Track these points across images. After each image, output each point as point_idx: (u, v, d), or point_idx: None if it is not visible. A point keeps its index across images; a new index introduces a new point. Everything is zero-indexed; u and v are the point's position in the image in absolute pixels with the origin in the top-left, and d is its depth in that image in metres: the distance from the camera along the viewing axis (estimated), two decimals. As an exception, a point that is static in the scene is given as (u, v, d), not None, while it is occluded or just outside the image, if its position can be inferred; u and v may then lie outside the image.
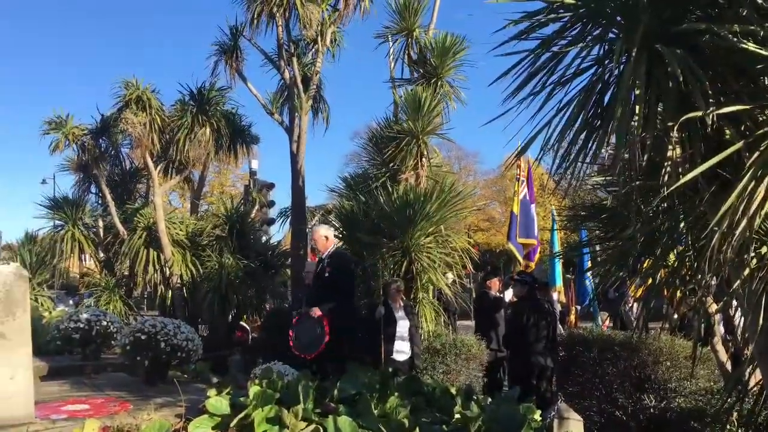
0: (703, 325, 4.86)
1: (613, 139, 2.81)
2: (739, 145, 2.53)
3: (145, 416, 4.16)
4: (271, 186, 15.13)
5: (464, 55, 9.12)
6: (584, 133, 2.96)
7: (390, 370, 5.07)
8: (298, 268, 9.39)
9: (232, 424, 3.71)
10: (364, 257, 7.44)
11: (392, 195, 7.52)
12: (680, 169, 2.71)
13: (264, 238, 12.10)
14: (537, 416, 3.97)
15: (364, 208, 7.79)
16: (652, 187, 3.08)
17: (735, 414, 4.26)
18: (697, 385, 5.96)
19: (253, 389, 3.97)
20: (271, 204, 15.02)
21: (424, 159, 8.22)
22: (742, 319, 3.37)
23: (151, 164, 10.19)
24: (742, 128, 2.63)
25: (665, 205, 3.26)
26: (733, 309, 4.38)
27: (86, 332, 6.98)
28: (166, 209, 10.95)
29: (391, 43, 9.74)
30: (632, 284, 5.49)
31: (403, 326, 6.51)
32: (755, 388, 3.87)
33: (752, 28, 2.50)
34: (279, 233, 16.32)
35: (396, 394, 4.10)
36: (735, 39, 2.53)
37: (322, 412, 3.82)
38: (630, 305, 11.25)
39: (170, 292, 10.24)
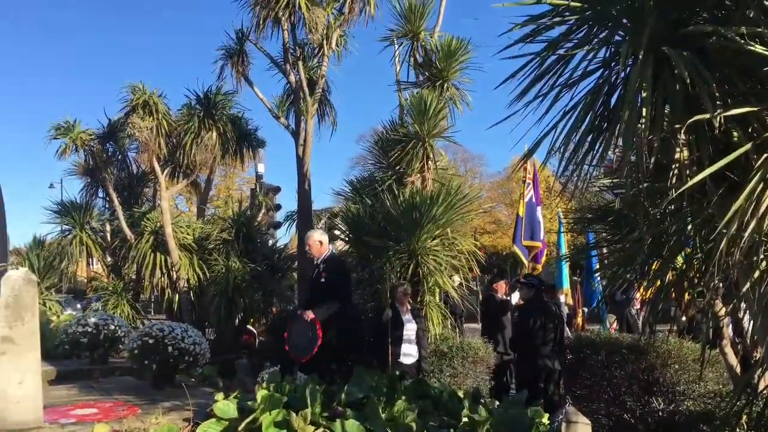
0: (711, 327, 4.83)
1: (620, 142, 2.80)
2: (747, 147, 2.52)
3: (154, 420, 4.18)
4: (277, 189, 15.17)
5: (470, 58, 9.11)
6: (591, 135, 2.95)
7: (397, 373, 5.07)
8: (305, 271, 9.39)
9: (240, 428, 3.71)
10: (371, 260, 7.44)
11: (398, 198, 7.52)
12: (688, 172, 2.70)
13: (270, 242, 12.12)
14: (545, 420, 3.97)
15: (371, 211, 7.79)
16: (659, 189, 3.07)
17: (744, 417, 4.23)
18: (705, 388, 5.92)
19: (261, 393, 3.97)
20: (278, 207, 15.06)
21: (430, 162, 8.22)
22: (752, 321, 3.36)
23: (158, 168, 10.23)
24: (750, 130, 2.62)
25: (673, 207, 3.24)
26: (742, 311, 4.35)
27: (94, 336, 7.02)
28: (172, 213, 10.99)
29: (396, 47, 9.74)
30: (640, 286, 5.47)
31: (410, 329, 6.51)
32: (765, 391, 3.85)
33: (759, 30, 2.50)
34: (285, 236, 16.33)
35: (403, 397, 4.10)
36: (742, 41, 2.52)
37: (329, 415, 3.82)
38: (636, 308, 11.21)
39: (177, 295, 10.27)
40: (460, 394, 4.52)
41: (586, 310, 12.47)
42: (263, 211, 13.48)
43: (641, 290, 6.37)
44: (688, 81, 2.52)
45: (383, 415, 3.78)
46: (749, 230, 2.48)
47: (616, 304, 11.41)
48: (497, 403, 4.62)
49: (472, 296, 9.23)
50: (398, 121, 8.97)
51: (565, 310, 10.69)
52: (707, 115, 2.49)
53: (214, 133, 10.30)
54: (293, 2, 9.44)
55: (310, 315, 6.19)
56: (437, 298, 7.53)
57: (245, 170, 20.71)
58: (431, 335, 7.01)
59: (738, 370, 5.54)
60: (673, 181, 2.78)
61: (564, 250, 11.31)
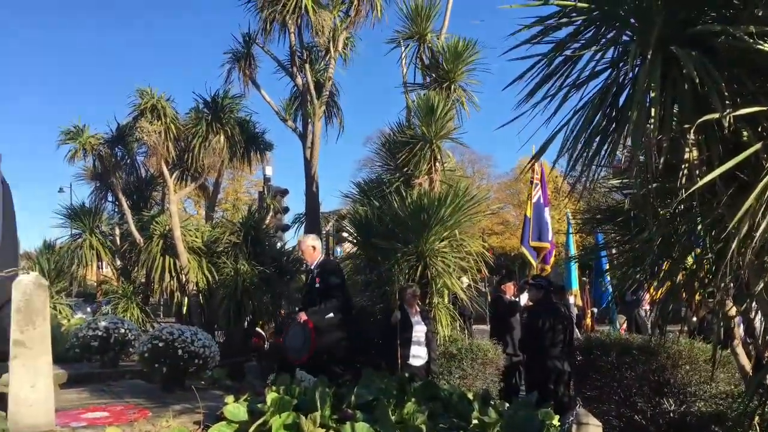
0: (722, 327, 4.80)
1: (628, 142, 2.79)
2: (756, 146, 2.50)
3: (164, 423, 4.20)
4: (285, 192, 15.17)
5: (477, 60, 9.10)
6: (599, 136, 2.94)
7: (406, 375, 5.07)
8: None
9: (250, 431, 3.72)
10: (379, 262, 7.44)
11: (406, 200, 7.52)
12: (697, 172, 2.69)
13: (279, 244, 12.12)
14: (555, 421, 3.96)
15: (378, 213, 7.79)
16: (669, 189, 3.06)
17: (757, 418, 4.20)
18: (717, 389, 5.88)
19: (271, 396, 3.98)
20: (286, 210, 15.07)
21: (437, 163, 8.21)
22: (763, 321, 3.33)
23: (166, 172, 10.27)
24: (760, 129, 2.61)
25: (682, 207, 3.23)
26: (754, 311, 4.32)
27: (104, 340, 7.05)
28: (181, 216, 11.02)
29: (403, 48, 9.74)
30: (650, 287, 5.45)
31: (419, 331, 6.51)
32: (777, 392, 3.82)
33: (768, 28, 2.48)
34: (293, 239, 16.35)
35: (413, 399, 4.09)
36: (751, 40, 2.51)
37: (339, 418, 3.83)
38: (645, 308, 11.15)
39: (186, 298, 10.29)
40: (470, 396, 4.51)
41: (595, 310, 12.42)
42: (271, 213, 13.49)
43: (651, 290, 6.35)
44: (697, 80, 2.51)
45: (393, 418, 3.79)
46: (761, 230, 2.47)
47: (626, 304, 11.36)
48: (507, 405, 4.61)
49: (480, 298, 9.21)
50: (405, 122, 8.98)
51: (575, 311, 10.65)
52: (716, 115, 2.48)
53: (222, 137, 10.33)
54: (300, 5, 9.46)
55: (302, 317, 6.31)
56: (446, 299, 7.52)
57: (253, 173, 20.83)
58: (440, 337, 7.00)
59: (750, 370, 5.50)
60: (683, 181, 2.77)
61: (573, 250, 11.27)
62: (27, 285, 3.98)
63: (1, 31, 61.52)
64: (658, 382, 6.08)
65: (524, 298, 8.70)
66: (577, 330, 9.23)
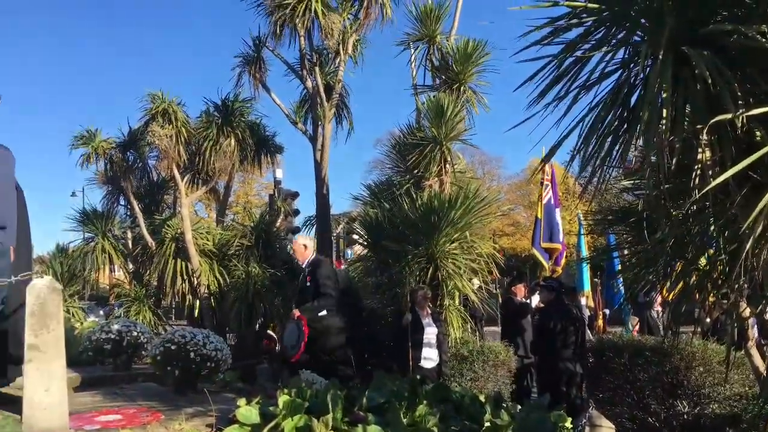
0: (736, 329, 4.75)
1: (640, 142, 2.78)
2: (770, 146, 2.48)
3: (177, 426, 4.22)
4: (295, 195, 15.20)
5: (487, 61, 9.10)
6: (611, 136, 2.93)
7: (418, 377, 5.06)
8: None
9: (262, 434, 3.73)
10: (390, 265, 7.45)
11: (416, 202, 7.52)
12: (710, 172, 2.67)
13: (289, 247, 12.16)
14: (568, 424, 3.94)
15: (389, 215, 7.79)
16: (681, 190, 3.04)
17: (772, 420, 4.16)
18: (731, 391, 5.84)
19: (282, 398, 3.99)
20: (296, 213, 15.08)
21: (447, 165, 8.20)
22: (778, 323, 3.30)
23: (177, 175, 10.32)
24: (773, 129, 2.58)
25: (695, 208, 3.20)
26: (768, 312, 4.28)
27: (117, 343, 7.09)
28: (192, 220, 11.06)
29: (412, 50, 9.75)
30: (663, 288, 5.41)
31: (430, 333, 6.51)
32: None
33: (781, 27, 2.46)
34: (304, 241, 16.35)
35: (425, 402, 4.08)
36: (763, 39, 2.49)
37: (351, 421, 3.82)
38: (657, 309, 11.07)
39: (198, 301, 10.34)
40: (482, 398, 4.50)
41: (607, 312, 12.36)
42: (282, 216, 13.52)
43: (663, 292, 6.31)
44: (709, 81, 2.49)
45: (404, 420, 3.78)
46: (774, 231, 2.45)
47: (639, 306, 11.29)
48: (519, 407, 4.59)
49: (491, 299, 9.19)
50: (415, 124, 8.98)
51: (587, 312, 10.61)
52: (729, 115, 2.46)
53: (233, 140, 10.38)
54: (309, 8, 9.49)
55: (296, 313, 6.40)
56: (457, 301, 7.51)
57: (263, 176, 20.85)
58: (451, 339, 7.00)
59: (764, 371, 5.45)
60: (696, 181, 2.75)
61: (584, 252, 11.22)
62: (41, 289, 4.01)
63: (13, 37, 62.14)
64: (672, 383, 6.04)
65: (535, 300, 8.68)
66: (589, 332, 9.20)
